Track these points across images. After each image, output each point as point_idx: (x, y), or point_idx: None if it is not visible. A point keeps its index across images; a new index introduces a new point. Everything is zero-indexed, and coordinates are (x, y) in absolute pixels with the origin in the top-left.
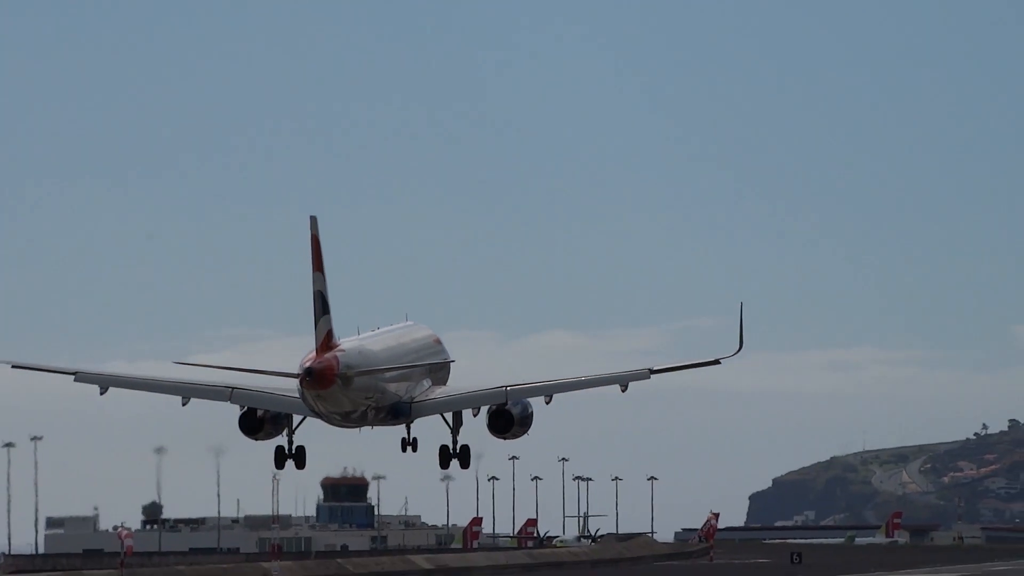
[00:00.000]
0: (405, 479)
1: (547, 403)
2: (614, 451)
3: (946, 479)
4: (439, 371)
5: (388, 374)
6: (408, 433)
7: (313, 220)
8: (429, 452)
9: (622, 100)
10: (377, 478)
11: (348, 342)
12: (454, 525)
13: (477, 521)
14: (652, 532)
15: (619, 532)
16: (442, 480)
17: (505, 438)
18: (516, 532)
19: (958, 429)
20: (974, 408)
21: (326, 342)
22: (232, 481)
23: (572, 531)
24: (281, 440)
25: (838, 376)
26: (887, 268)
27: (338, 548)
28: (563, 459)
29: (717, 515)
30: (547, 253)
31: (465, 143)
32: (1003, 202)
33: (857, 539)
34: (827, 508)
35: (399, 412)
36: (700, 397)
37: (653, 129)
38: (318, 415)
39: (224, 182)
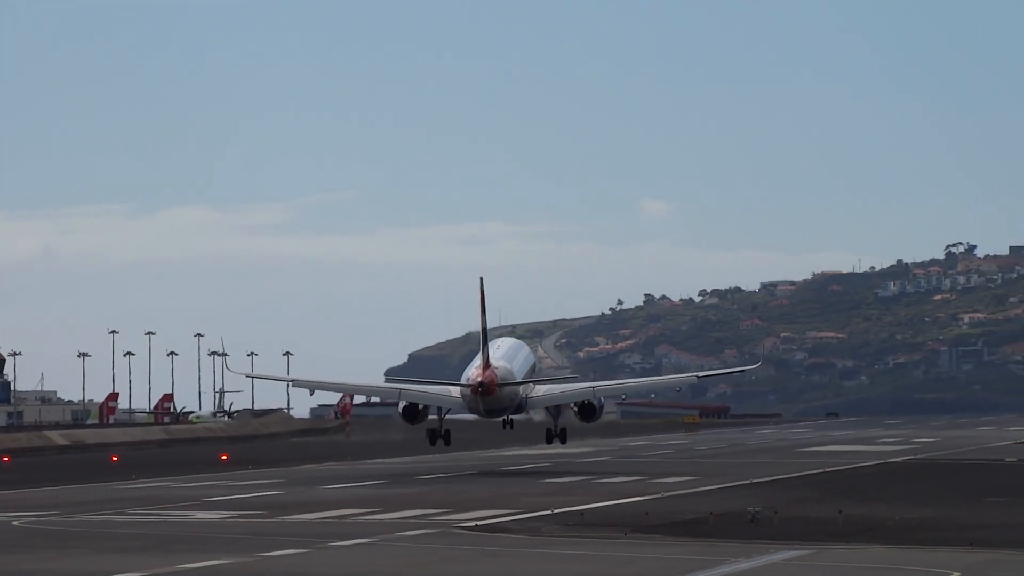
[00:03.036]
0: (41, 355)
1: (624, 398)
2: (250, 326)
3: (581, 354)
4: (536, 374)
5: (520, 385)
6: (510, 419)
7: (481, 280)
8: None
9: None
10: (13, 354)
11: (497, 362)
12: (91, 401)
13: (113, 396)
14: (288, 408)
15: (255, 408)
16: (78, 356)
17: (589, 423)
18: (152, 408)
19: (593, 304)
20: (609, 283)
21: (486, 363)
22: None
23: (208, 407)
24: (432, 424)
25: (471, 250)
26: (514, 142)
27: None
28: (199, 334)
29: (240, 375)
30: (176, 125)
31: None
32: (626, 82)
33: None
34: None
35: (521, 407)
36: (334, 271)
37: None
38: (473, 411)
39: None
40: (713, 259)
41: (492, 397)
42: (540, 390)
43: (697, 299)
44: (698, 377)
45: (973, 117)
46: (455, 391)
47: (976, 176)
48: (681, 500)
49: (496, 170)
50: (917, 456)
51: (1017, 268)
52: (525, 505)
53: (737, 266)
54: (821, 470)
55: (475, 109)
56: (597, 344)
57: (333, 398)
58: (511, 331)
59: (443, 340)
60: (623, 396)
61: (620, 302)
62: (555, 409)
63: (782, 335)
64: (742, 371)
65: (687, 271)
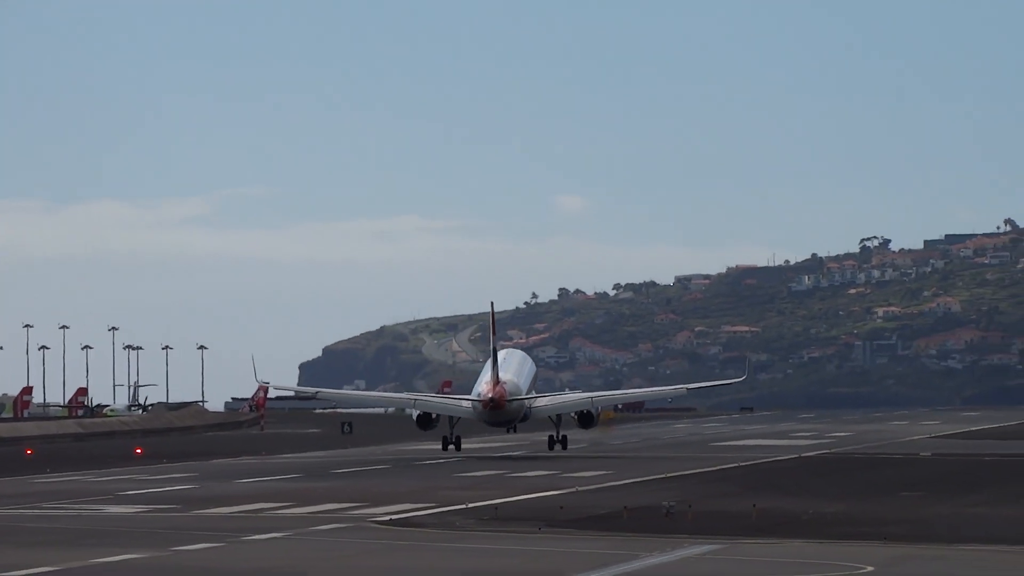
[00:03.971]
0: None
1: (618, 408)
2: (164, 320)
3: None
4: (536, 383)
5: (526, 400)
6: (514, 427)
7: (492, 304)
8: None
9: None
10: None
11: (506, 377)
12: (4, 394)
13: (28, 390)
14: (203, 401)
15: (169, 401)
16: None
17: (588, 429)
18: (67, 401)
19: (508, 298)
20: (523, 277)
21: (495, 380)
22: None
23: (123, 400)
24: (445, 432)
25: (385, 245)
26: (428, 136)
27: None
28: (113, 328)
29: (267, 385)
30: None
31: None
32: (539, 76)
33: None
34: (378, 378)
35: (526, 416)
36: (249, 267)
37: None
38: (483, 421)
39: None
40: (627, 253)
41: (501, 411)
42: (543, 401)
43: (611, 293)
44: (687, 389)
45: (886, 111)
46: (466, 404)
47: (890, 170)
48: (595, 494)
49: (410, 165)
50: (831, 450)
51: (931, 262)
52: (440, 499)
53: (651, 260)
54: (735, 464)
55: (389, 103)
56: (512, 338)
57: (247, 392)
58: (425, 326)
59: (357, 334)
60: (618, 406)
61: (535, 296)
62: (557, 417)
63: (696, 329)
64: (731, 383)
65: (601, 265)
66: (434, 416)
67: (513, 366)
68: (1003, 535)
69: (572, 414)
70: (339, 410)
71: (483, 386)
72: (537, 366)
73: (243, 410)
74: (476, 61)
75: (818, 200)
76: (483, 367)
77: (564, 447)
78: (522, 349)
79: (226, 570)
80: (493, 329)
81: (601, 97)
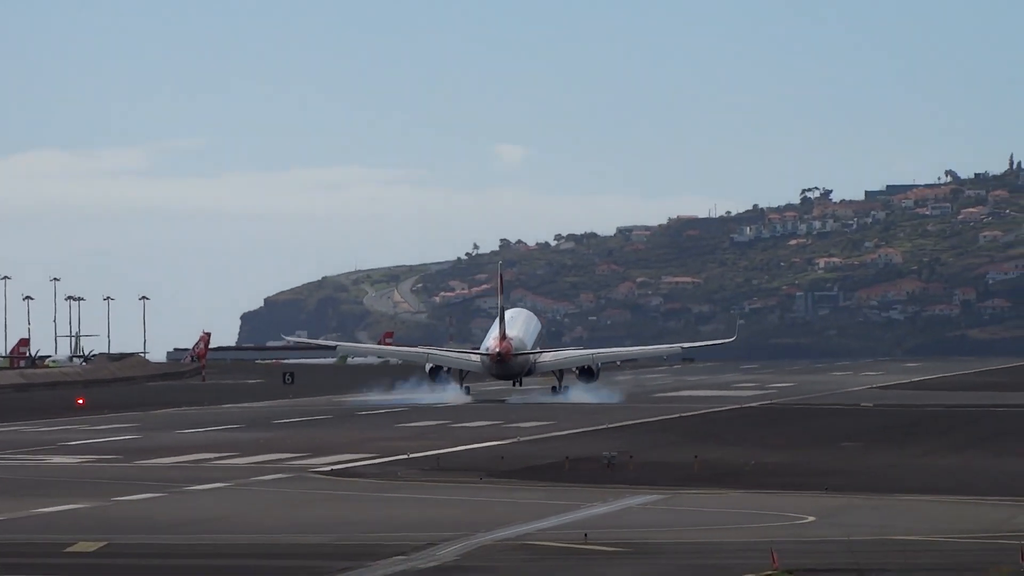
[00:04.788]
0: None
1: (617, 365)
2: (105, 271)
3: (437, 299)
4: (542, 340)
5: (531, 355)
6: (520, 380)
7: (500, 264)
8: None
9: None
10: None
11: (512, 333)
12: None
13: None
14: (144, 352)
15: (111, 352)
16: None
17: (588, 384)
18: (8, 352)
19: (449, 249)
20: (464, 228)
21: (502, 335)
22: None
23: (65, 351)
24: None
25: (326, 195)
26: (369, 86)
27: None
28: (55, 279)
29: (209, 335)
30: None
31: None
32: (480, 26)
33: (350, 359)
34: (319, 328)
35: (531, 371)
36: (190, 218)
37: None
38: (491, 374)
39: None
40: (569, 204)
41: (508, 364)
42: (547, 356)
43: (553, 244)
44: (682, 348)
45: (826, 62)
46: (475, 358)
47: (831, 121)
48: (537, 445)
49: (351, 115)
50: (773, 401)
51: (872, 213)
52: (381, 450)
53: (593, 211)
54: (677, 415)
55: (331, 53)
56: (453, 289)
57: (189, 342)
58: (366, 277)
59: (299, 285)
60: (617, 362)
61: (476, 247)
62: (559, 372)
63: (638, 280)
64: (722, 344)
65: (542, 216)
66: (445, 369)
67: (519, 323)
68: (943, 485)
69: (574, 369)
70: (283, 361)
71: (491, 341)
72: (542, 324)
73: (185, 360)
74: (417, 12)
75: (759, 151)
76: (491, 330)
77: (566, 395)
78: (463, 299)
79: (168, 520)
80: (500, 288)
81: (542, 47)
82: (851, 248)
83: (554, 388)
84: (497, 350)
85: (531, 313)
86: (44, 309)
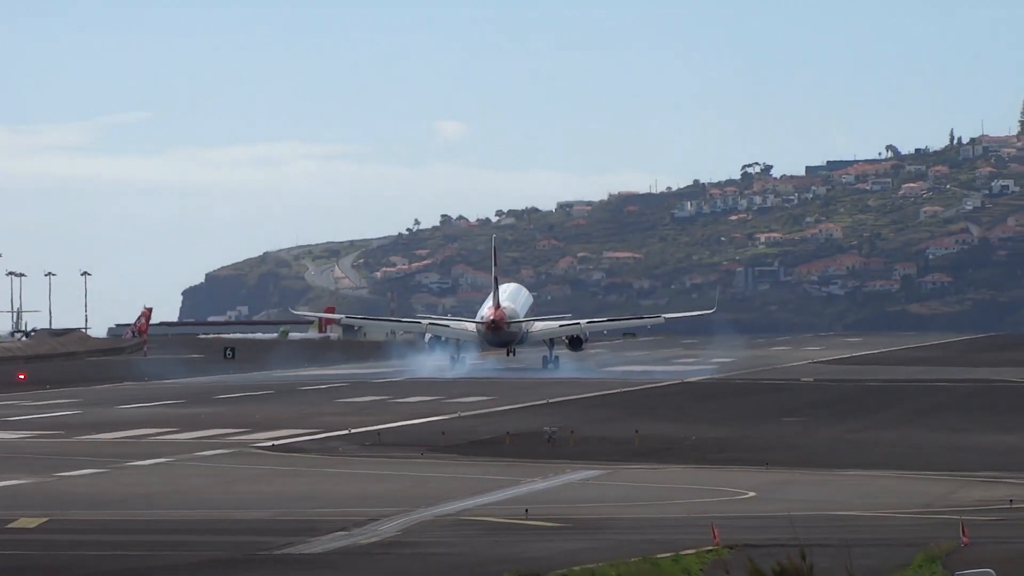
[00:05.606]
0: None
1: (604, 333)
2: (47, 246)
3: (378, 274)
4: (533, 312)
5: (523, 323)
6: (513, 349)
7: (493, 238)
8: None
9: None
10: None
11: (504, 303)
12: None
13: None
14: (86, 327)
15: (53, 328)
16: None
17: (576, 352)
18: None
19: (390, 224)
20: (405, 204)
21: (496, 305)
22: None
23: (6, 326)
24: (451, 352)
25: (267, 171)
26: (308, 61)
27: None
28: None
29: (150, 310)
30: None
31: None
32: (420, 3)
33: (291, 334)
34: (260, 303)
35: (522, 340)
36: (131, 193)
37: None
38: (485, 342)
39: None
40: (509, 180)
41: (501, 332)
42: (538, 326)
43: (494, 219)
44: (665, 318)
45: (767, 37)
46: (471, 327)
47: (772, 96)
48: (477, 420)
49: (291, 90)
50: (714, 376)
51: (813, 188)
52: (322, 425)
53: (534, 186)
54: (618, 390)
55: (268, 28)
56: (394, 264)
57: (130, 318)
58: (307, 252)
59: (240, 260)
60: (604, 332)
61: (417, 222)
62: (550, 342)
63: (579, 255)
64: (704, 314)
65: (483, 192)
66: (443, 339)
67: (512, 295)
68: (883, 460)
69: (564, 338)
70: (224, 336)
71: (486, 310)
72: (534, 297)
73: (126, 336)
74: None
75: (700, 126)
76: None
77: (556, 366)
78: (404, 275)
79: (110, 495)
80: (495, 260)
81: (480, 21)
82: (791, 223)
83: (544, 359)
84: (492, 318)
85: (522, 287)
86: None
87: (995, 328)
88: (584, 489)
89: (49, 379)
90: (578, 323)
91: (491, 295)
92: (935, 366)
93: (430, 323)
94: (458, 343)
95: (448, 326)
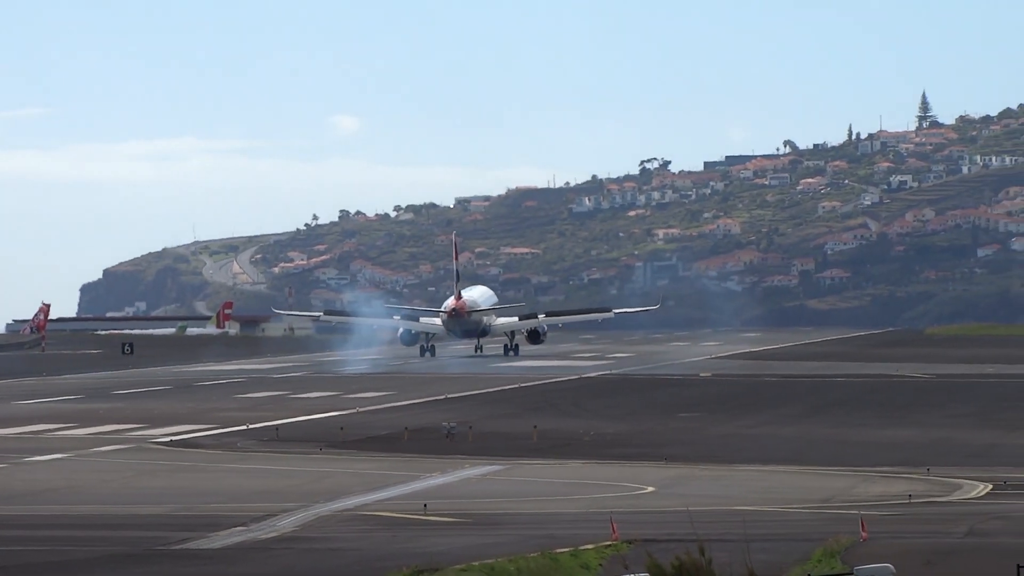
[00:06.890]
0: None
1: (560, 327)
2: None
3: (276, 269)
4: (496, 311)
5: (483, 314)
6: (479, 343)
7: (455, 233)
8: None
9: None
10: None
11: (466, 295)
12: None
13: None
14: None
15: None
16: None
17: (535, 344)
18: None
19: (288, 219)
20: (303, 199)
21: (458, 295)
22: None
23: None
24: (422, 342)
25: (163, 166)
26: (205, 57)
27: None
28: None
29: (49, 306)
30: None
31: None
32: None
33: (189, 329)
34: (158, 299)
35: (484, 332)
36: (23, 188)
37: None
38: (450, 332)
39: None
40: (407, 175)
41: (463, 320)
42: (500, 320)
43: (392, 215)
44: (615, 313)
45: (663, 32)
46: (437, 320)
47: (669, 91)
48: (376, 415)
49: (186, 86)
50: (612, 371)
51: (711, 183)
52: (220, 420)
53: (431, 182)
54: (516, 385)
55: (164, 23)
56: (292, 260)
57: (28, 313)
58: (205, 247)
59: (138, 256)
60: (559, 325)
61: (315, 218)
62: (511, 334)
63: (476, 250)
64: (649, 310)
65: (381, 187)
66: (414, 332)
67: (475, 292)
68: (781, 455)
69: (524, 331)
70: (122, 331)
71: (449, 301)
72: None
73: (24, 331)
74: None
75: (597, 121)
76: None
77: (516, 354)
78: (302, 270)
79: (8, 491)
80: (456, 254)
81: (376, 16)
82: (690, 219)
83: (506, 347)
84: (453, 307)
85: (488, 289)
86: None
87: (892, 323)
88: (483, 484)
89: None
90: (536, 318)
91: (454, 288)
92: (833, 361)
93: (400, 319)
94: (428, 335)
95: (417, 319)
